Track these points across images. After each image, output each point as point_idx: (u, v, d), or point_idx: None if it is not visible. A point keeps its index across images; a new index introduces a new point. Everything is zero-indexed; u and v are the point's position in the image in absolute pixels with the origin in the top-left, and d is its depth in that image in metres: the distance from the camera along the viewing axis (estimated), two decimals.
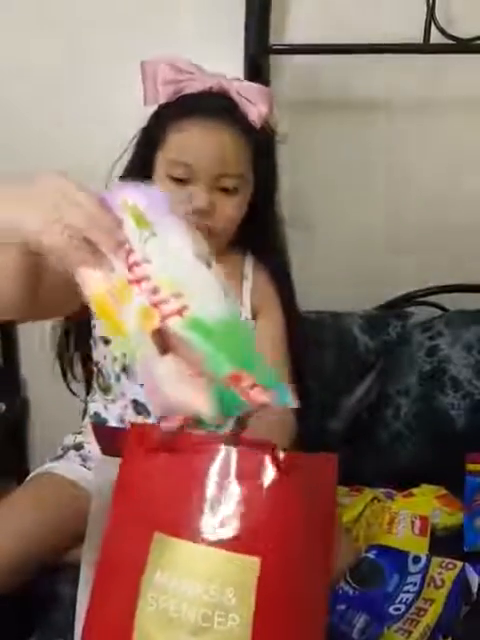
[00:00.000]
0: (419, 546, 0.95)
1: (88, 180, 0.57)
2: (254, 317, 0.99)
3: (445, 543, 0.97)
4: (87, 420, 1.04)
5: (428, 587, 0.81)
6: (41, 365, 1.52)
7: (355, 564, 0.89)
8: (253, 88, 0.90)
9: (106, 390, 0.99)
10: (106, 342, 0.96)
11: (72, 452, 1.00)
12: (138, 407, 0.96)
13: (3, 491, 0.95)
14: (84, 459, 0.98)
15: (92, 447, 0.95)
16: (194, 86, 0.87)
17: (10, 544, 0.82)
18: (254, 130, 0.88)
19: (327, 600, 0.63)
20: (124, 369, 0.96)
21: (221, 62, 1.21)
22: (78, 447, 1.00)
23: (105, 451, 0.85)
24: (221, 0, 1.20)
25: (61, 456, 1.00)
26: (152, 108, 0.93)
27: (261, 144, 0.91)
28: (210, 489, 0.60)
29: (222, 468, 0.60)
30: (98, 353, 0.99)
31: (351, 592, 0.83)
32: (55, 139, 1.32)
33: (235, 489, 0.60)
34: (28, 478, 0.98)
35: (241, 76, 1.18)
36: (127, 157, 0.95)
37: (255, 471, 0.60)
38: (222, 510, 0.59)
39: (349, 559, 0.89)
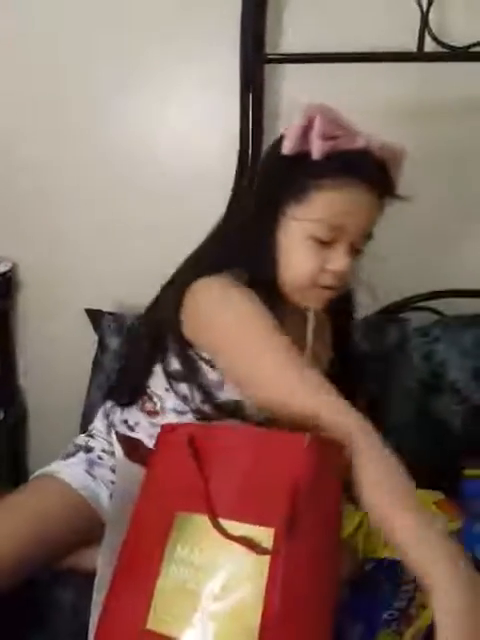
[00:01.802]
0: None
1: None
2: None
3: None
4: (99, 424, 1.03)
5: (420, 592, 0.81)
6: (39, 373, 1.54)
7: (353, 577, 0.89)
8: (396, 149, 0.87)
9: (152, 414, 0.95)
10: (170, 376, 0.91)
11: (82, 454, 0.99)
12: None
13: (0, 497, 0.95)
14: (90, 464, 0.98)
15: (105, 461, 0.97)
16: (347, 144, 0.82)
17: (7, 547, 0.82)
18: (393, 191, 0.87)
19: (338, 572, 0.66)
20: (189, 410, 0.91)
21: (217, 72, 1.24)
22: (88, 449, 1.00)
23: (128, 456, 0.86)
24: (216, 10, 1.21)
25: (72, 454, 0.99)
26: None
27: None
28: (231, 468, 0.66)
29: (244, 450, 0.66)
30: (155, 384, 0.94)
31: (345, 598, 0.83)
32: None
33: (255, 468, 0.65)
34: (32, 477, 0.98)
35: (236, 86, 1.20)
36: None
37: (278, 452, 0.65)
38: (241, 486, 0.65)
39: (349, 571, 0.89)
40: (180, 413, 0.92)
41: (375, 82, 1.22)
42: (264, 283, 0.86)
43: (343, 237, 0.84)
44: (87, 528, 0.91)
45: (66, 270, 1.44)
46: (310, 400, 0.73)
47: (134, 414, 0.98)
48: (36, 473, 0.98)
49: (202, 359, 0.87)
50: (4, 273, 1.40)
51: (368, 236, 0.88)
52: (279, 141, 0.86)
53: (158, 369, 0.93)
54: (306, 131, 0.81)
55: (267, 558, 0.60)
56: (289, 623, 0.60)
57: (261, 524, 0.62)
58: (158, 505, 0.68)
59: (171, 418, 0.93)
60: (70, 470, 0.96)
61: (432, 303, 1.36)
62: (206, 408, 0.89)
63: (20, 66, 1.30)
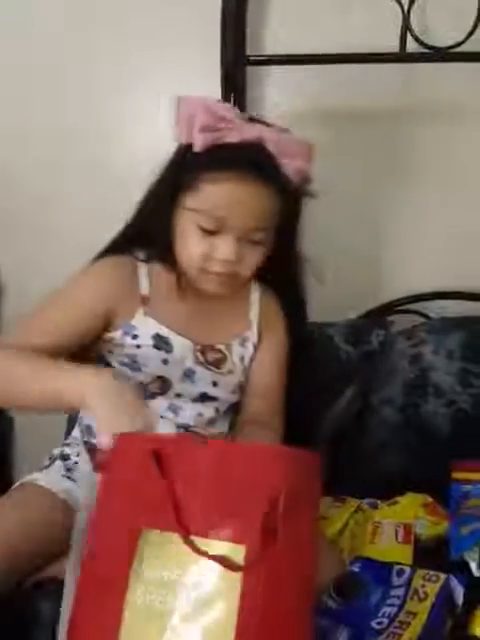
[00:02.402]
0: (403, 554, 0.94)
1: None
2: (259, 340, 1.01)
3: (430, 553, 0.96)
4: (76, 433, 1.03)
5: (411, 600, 0.80)
6: None
7: (338, 577, 0.88)
8: (293, 142, 0.88)
9: None
10: (108, 365, 0.95)
11: (58, 462, 0.99)
12: None
13: None
14: (68, 469, 0.97)
15: (81, 465, 0.96)
16: (233, 136, 0.84)
17: None
18: (288, 184, 0.87)
19: (314, 584, 0.65)
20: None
21: (198, 74, 1.23)
22: (65, 457, 0.99)
23: (97, 469, 0.85)
24: (197, 13, 1.20)
25: (47, 466, 0.99)
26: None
27: (291, 195, 0.89)
28: (195, 482, 0.63)
29: (207, 463, 0.64)
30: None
31: (334, 606, 0.82)
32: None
33: (223, 482, 0.63)
34: (12, 488, 0.96)
35: (218, 88, 1.19)
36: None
37: (246, 466, 0.63)
38: (207, 501, 0.62)
39: (335, 571, 0.89)
40: None
41: (357, 83, 1.22)
42: (169, 265, 0.93)
43: (228, 227, 0.86)
44: (69, 532, 0.89)
45: (54, 273, 1.42)
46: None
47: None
48: (16, 484, 0.97)
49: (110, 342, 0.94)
50: None
51: (263, 229, 0.88)
52: None
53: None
54: (190, 125, 0.84)
55: (239, 575, 0.59)
56: None
57: (232, 540, 0.60)
58: (121, 520, 0.65)
59: None
60: (48, 477, 0.95)
61: (417, 306, 1.36)
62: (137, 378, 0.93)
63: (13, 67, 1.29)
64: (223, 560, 0.59)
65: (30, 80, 1.29)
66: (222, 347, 0.98)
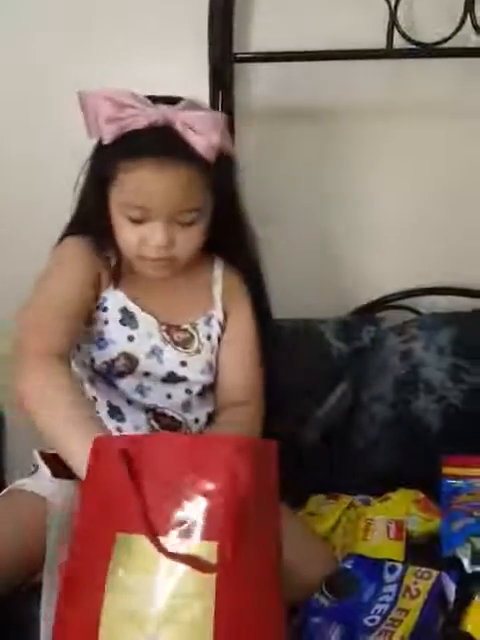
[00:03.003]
0: (395, 550, 0.95)
1: None
2: (225, 318, 1.01)
3: (422, 550, 0.96)
4: None
5: (404, 597, 0.80)
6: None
7: (330, 574, 0.88)
8: (199, 117, 0.86)
9: None
10: (77, 347, 0.96)
11: (40, 471, 0.97)
12: (112, 410, 0.95)
13: None
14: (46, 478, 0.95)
15: (43, 471, 0.94)
16: (138, 122, 0.84)
17: None
18: (204, 161, 0.86)
19: (281, 575, 0.64)
20: (97, 372, 0.95)
21: (185, 72, 1.22)
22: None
23: (55, 474, 0.85)
24: (184, 10, 1.19)
25: (33, 472, 0.98)
26: None
27: (216, 170, 0.88)
28: (165, 482, 0.62)
29: (178, 462, 0.63)
30: (71, 359, 0.98)
31: (326, 604, 0.82)
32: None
33: (189, 480, 0.62)
34: (0, 494, 0.95)
35: (206, 86, 1.18)
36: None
37: (210, 460, 0.62)
38: (179, 500, 0.61)
39: (327, 569, 0.89)
40: (91, 382, 0.96)
41: (345, 79, 1.22)
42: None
43: (154, 214, 0.86)
44: None
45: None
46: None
47: None
48: (4, 491, 0.96)
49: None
50: None
51: (192, 210, 0.88)
52: None
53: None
54: (96, 119, 0.85)
55: (213, 576, 0.58)
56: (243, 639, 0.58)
57: (203, 538, 0.59)
58: (98, 525, 0.65)
59: (89, 391, 0.96)
60: (36, 482, 0.94)
61: (408, 301, 1.36)
62: (98, 366, 0.94)
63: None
64: (195, 562, 0.59)
65: (19, 77, 1.28)
66: (188, 326, 0.98)
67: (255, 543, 0.61)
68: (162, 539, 0.60)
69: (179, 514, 0.61)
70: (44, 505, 0.90)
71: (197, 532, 0.60)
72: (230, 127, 1.20)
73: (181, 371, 0.96)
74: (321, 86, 1.22)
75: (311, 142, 1.28)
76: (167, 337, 0.96)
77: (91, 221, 0.94)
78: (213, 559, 0.59)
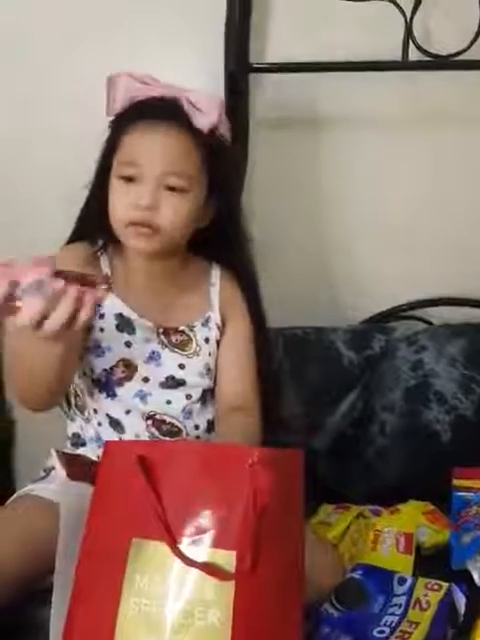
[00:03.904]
0: (404, 564, 0.95)
1: None
2: (223, 321, 1.02)
3: (432, 562, 0.96)
4: (67, 442, 1.04)
5: (413, 609, 0.80)
6: None
7: (340, 584, 0.88)
8: (204, 97, 0.93)
9: (81, 409, 0.99)
10: (80, 358, 0.96)
11: (54, 473, 0.98)
12: (112, 422, 0.96)
13: None
14: (59, 479, 0.96)
15: (57, 472, 0.95)
16: (147, 94, 0.92)
17: None
18: (201, 135, 0.91)
19: (303, 587, 0.64)
20: (96, 383, 0.96)
21: (201, 81, 1.23)
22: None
23: (70, 476, 0.86)
24: (201, 19, 1.20)
25: (43, 477, 0.99)
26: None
27: (213, 150, 0.93)
28: (184, 490, 0.63)
29: (196, 470, 0.63)
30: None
31: (335, 614, 0.82)
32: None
33: (208, 488, 0.62)
34: (10, 500, 0.97)
35: (221, 95, 1.19)
36: None
37: (230, 470, 0.62)
38: (197, 509, 0.62)
39: (336, 577, 0.89)
40: (90, 394, 0.97)
41: (360, 91, 1.22)
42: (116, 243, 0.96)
43: (145, 173, 0.89)
44: None
45: None
46: None
47: (76, 421, 1.01)
48: (15, 494, 0.97)
49: None
50: None
51: (182, 175, 0.90)
52: None
53: None
54: (114, 96, 0.92)
55: (231, 584, 0.59)
56: None
57: (222, 547, 0.60)
58: (112, 529, 0.65)
59: (90, 403, 0.97)
60: (46, 487, 0.95)
61: (419, 311, 1.36)
62: (97, 375, 0.95)
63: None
64: (213, 570, 0.59)
65: (30, 81, 1.29)
66: (185, 328, 0.98)
67: (276, 553, 0.61)
68: (179, 545, 0.61)
69: (197, 522, 0.61)
70: (53, 509, 0.90)
71: (215, 541, 0.60)
72: (244, 136, 1.22)
73: (180, 374, 0.97)
74: (336, 97, 1.23)
75: (323, 152, 1.28)
76: (165, 340, 0.97)
77: (96, 205, 0.95)
78: (231, 568, 0.59)
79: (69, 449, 1.01)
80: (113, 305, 0.95)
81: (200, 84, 1.23)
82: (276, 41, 1.22)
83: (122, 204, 0.90)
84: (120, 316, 0.95)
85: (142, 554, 0.62)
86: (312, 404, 1.22)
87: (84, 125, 1.28)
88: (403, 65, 1.16)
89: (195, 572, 0.59)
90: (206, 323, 1.01)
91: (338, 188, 1.31)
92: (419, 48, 1.16)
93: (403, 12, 1.13)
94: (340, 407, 1.22)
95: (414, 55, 1.16)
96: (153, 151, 0.89)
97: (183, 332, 0.98)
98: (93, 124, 1.24)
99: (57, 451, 0.96)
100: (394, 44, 1.15)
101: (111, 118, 0.95)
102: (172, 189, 0.90)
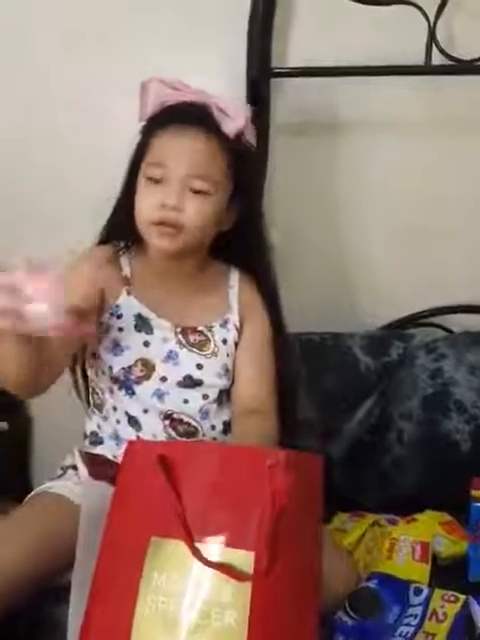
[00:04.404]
0: (420, 573, 0.94)
1: None
2: (241, 323, 1.02)
3: (448, 572, 0.95)
4: (85, 440, 1.04)
5: (430, 620, 0.79)
6: None
7: (355, 592, 0.87)
8: (232, 104, 0.95)
9: (99, 406, 1.00)
10: (95, 356, 0.97)
11: (71, 472, 0.99)
12: (130, 420, 0.96)
13: (4, 510, 0.93)
14: (81, 478, 0.96)
15: (79, 471, 0.95)
16: (178, 99, 0.94)
17: (10, 567, 0.80)
18: (228, 140, 0.93)
19: (320, 592, 0.64)
20: (115, 381, 0.96)
21: (223, 85, 1.23)
22: (76, 467, 0.98)
23: (93, 475, 0.86)
24: (222, 24, 1.21)
25: (60, 476, 0.99)
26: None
27: (238, 155, 0.94)
28: (203, 490, 0.63)
29: (216, 470, 0.64)
30: (91, 369, 1.00)
31: (350, 622, 0.81)
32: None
33: (228, 489, 0.63)
34: (27, 497, 0.97)
35: (243, 99, 1.19)
36: None
37: (249, 471, 0.63)
38: (216, 508, 0.62)
39: (350, 584, 0.88)
40: (110, 392, 0.97)
41: (382, 95, 1.22)
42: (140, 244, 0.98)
43: (171, 174, 0.91)
44: None
45: None
46: None
47: (93, 420, 1.02)
48: (32, 492, 0.97)
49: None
50: None
51: (207, 178, 0.92)
52: None
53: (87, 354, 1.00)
54: (146, 100, 0.94)
55: (248, 585, 0.59)
56: None
57: (240, 547, 0.60)
58: (131, 527, 0.66)
59: (109, 401, 0.98)
60: (64, 485, 0.95)
61: (439, 319, 1.34)
62: (116, 374, 0.95)
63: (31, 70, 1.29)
64: (230, 570, 0.59)
65: (47, 84, 1.30)
66: (203, 328, 0.99)
67: (294, 556, 0.61)
68: (198, 545, 0.61)
69: (215, 522, 0.61)
70: (71, 507, 0.91)
71: (233, 541, 0.60)
72: (264, 140, 1.22)
73: (197, 374, 0.97)
74: (358, 102, 1.22)
75: (343, 157, 1.28)
76: (183, 340, 0.97)
77: (125, 207, 0.97)
78: (249, 569, 0.59)
79: (87, 447, 1.01)
80: (131, 305, 0.96)
81: (220, 87, 1.24)
82: (298, 45, 1.22)
83: (148, 204, 0.92)
84: (139, 316, 0.96)
85: (160, 552, 0.62)
86: (328, 410, 1.21)
87: (94, 127, 1.31)
88: (426, 69, 1.16)
89: (212, 572, 0.59)
90: (224, 324, 1.01)
91: (358, 193, 1.31)
92: (442, 52, 1.15)
93: (426, 16, 1.13)
94: (357, 414, 1.21)
95: (437, 59, 1.15)
96: (181, 154, 0.91)
97: (201, 332, 0.99)
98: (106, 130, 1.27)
99: (79, 451, 0.97)
100: (417, 48, 1.14)
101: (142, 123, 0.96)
102: (197, 192, 0.92)
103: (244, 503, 0.61)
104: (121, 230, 1.00)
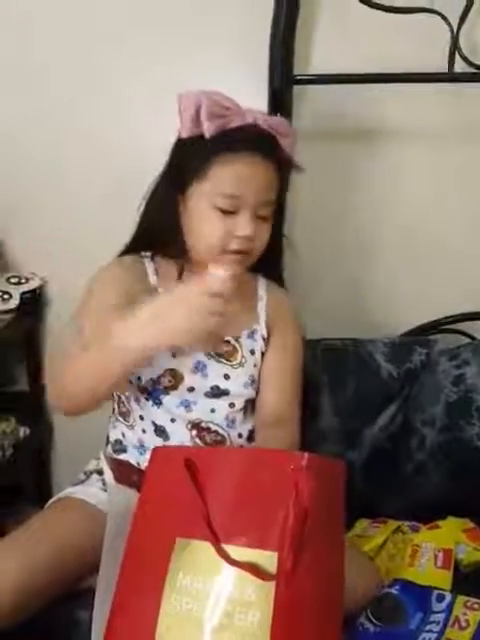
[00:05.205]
0: (442, 579, 0.93)
1: None
2: (269, 333, 1.03)
3: (471, 580, 0.94)
4: (108, 446, 1.05)
5: (452, 628, 0.79)
6: None
7: (377, 598, 0.87)
8: (280, 122, 0.97)
9: (125, 415, 1.01)
10: None
11: (94, 476, 1.00)
12: (157, 430, 0.97)
13: (25, 516, 0.94)
14: (105, 483, 0.98)
15: (106, 476, 0.97)
16: (236, 121, 0.91)
17: (20, 577, 0.80)
18: (284, 160, 0.95)
19: (342, 595, 0.65)
20: (143, 391, 0.97)
21: (245, 92, 1.24)
22: (100, 472, 1.00)
23: (118, 480, 0.87)
24: (245, 31, 1.22)
25: (83, 481, 1.01)
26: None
27: (285, 173, 0.97)
28: (228, 492, 0.65)
29: (240, 472, 0.65)
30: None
31: (372, 629, 0.81)
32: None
33: (253, 490, 0.64)
34: (49, 503, 0.98)
35: (265, 106, 1.20)
36: None
37: (274, 473, 0.64)
38: (241, 510, 0.63)
39: (372, 590, 0.88)
40: (136, 401, 0.98)
41: (405, 102, 1.22)
42: (174, 257, 0.98)
43: (244, 205, 0.92)
44: None
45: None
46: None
47: (117, 428, 1.03)
48: (54, 497, 0.98)
49: None
50: (34, 290, 1.42)
51: (270, 203, 0.95)
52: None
53: None
54: (197, 115, 0.91)
55: (272, 583, 0.59)
56: None
57: (264, 548, 0.61)
58: (156, 530, 0.67)
59: (135, 410, 0.98)
60: (87, 491, 0.96)
61: (462, 325, 1.33)
62: (144, 383, 0.96)
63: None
64: (255, 569, 0.60)
65: (69, 86, 1.32)
66: (231, 339, 0.99)
67: (317, 558, 0.62)
68: (223, 546, 0.62)
69: (240, 524, 0.62)
70: (92, 512, 0.92)
71: (258, 542, 0.61)
72: None
73: (224, 384, 0.97)
74: (380, 110, 1.23)
75: (366, 164, 1.28)
76: (211, 351, 0.97)
77: (159, 223, 0.97)
78: (273, 569, 0.60)
79: (110, 454, 1.02)
80: None
81: (242, 95, 1.25)
82: (320, 53, 1.23)
83: (219, 234, 0.92)
84: None
85: (185, 553, 0.63)
86: (350, 416, 1.20)
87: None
88: (449, 77, 1.16)
89: (237, 572, 0.60)
90: (252, 335, 1.01)
91: (380, 199, 1.31)
92: (465, 59, 1.15)
93: (449, 23, 1.13)
94: (378, 420, 1.20)
95: (459, 67, 1.15)
96: (254, 185, 0.92)
97: (229, 342, 0.99)
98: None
99: (106, 456, 0.99)
100: (439, 56, 1.14)
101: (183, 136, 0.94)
102: (262, 217, 0.94)
103: (268, 505, 0.62)
104: (153, 241, 0.99)
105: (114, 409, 1.04)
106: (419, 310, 1.34)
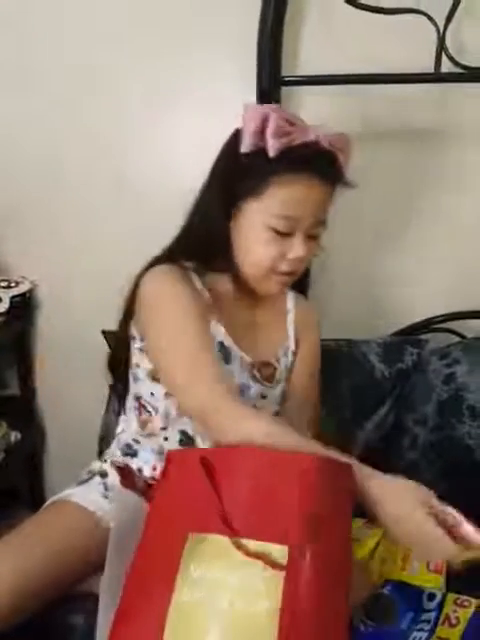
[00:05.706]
0: (434, 583, 0.92)
1: None
2: (297, 345, 1.04)
3: (462, 578, 0.93)
4: (113, 449, 1.04)
5: (442, 625, 0.78)
6: (56, 394, 1.54)
7: (369, 599, 0.87)
8: (340, 137, 0.91)
9: (144, 424, 0.99)
10: (154, 379, 0.95)
11: (97, 479, 0.99)
12: (185, 439, 0.97)
13: (19, 520, 0.94)
14: (106, 488, 0.98)
15: (111, 479, 0.97)
16: (299, 139, 0.87)
17: (16, 580, 0.81)
18: (342, 177, 0.92)
19: (349, 590, 0.66)
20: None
21: (233, 94, 1.25)
22: (103, 474, 1.00)
23: (124, 485, 0.88)
24: (233, 33, 1.22)
25: (85, 480, 1.00)
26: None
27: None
28: (242, 490, 0.67)
29: (255, 473, 0.67)
30: (143, 389, 0.98)
31: (363, 628, 0.81)
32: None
33: (263, 489, 0.66)
34: (45, 505, 0.98)
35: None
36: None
37: (284, 472, 0.66)
38: (251, 505, 0.66)
39: (364, 594, 0.88)
40: (167, 415, 0.96)
41: (392, 103, 1.22)
42: (219, 271, 0.95)
43: (299, 227, 0.89)
44: (104, 550, 0.90)
45: (84, 290, 1.45)
46: (202, 395, 0.81)
47: (127, 432, 1.02)
48: (50, 499, 0.98)
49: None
50: (24, 294, 1.42)
51: (323, 223, 0.92)
52: (234, 139, 0.90)
53: (142, 373, 0.97)
54: (262, 130, 0.86)
55: (281, 576, 0.61)
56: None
57: (275, 542, 0.63)
58: (169, 528, 0.68)
59: (160, 420, 0.96)
60: (85, 494, 0.96)
61: (453, 324, 1.34)
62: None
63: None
64: (266, 557, 0.62)
65: (68, 86, 1.32)
66: (273, 360, 1.00)
67: (325, 552, 0.63)
68: (234, 537, 0.64)
69: (252, 520, 0.65)
70: (89, 518, 0.92)
71: (268, 536, 0.63)
72: None
73: (260, 403, 0.98)
74: (368, 110, 1.23)
75: (356, 166, 1.28)
76: (257, 375, 0.97)
77: (207, 238, 0.93)
78: (284, 561, 0.62)
79: (118, 457, 1.02)
80: (218, 332, 0.93)
81: (232, 99, 1.25)
82: (307, 54, 1.23)
83: (271, 254, 0.90)
84: (221, 344, 0.94)
85: (198, 547, 0.65)
86: (343, 415, 1.21)
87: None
88: (436, 77, 1.16)
89: (247, 563, 0.62)
90: (285, 353, 1.02)
91: (368, 199, 1.31)
92: (452, 60, 1.15)
93: (436, 24, 1.13)
94: (371, 420, 1.20)
95: (446, 67, 1.15)
96: (309, 206, 0.89)
97: (270, 364, 1.00)
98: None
99: (112, 462, 0.99)
100: (426, 56, 1.15)
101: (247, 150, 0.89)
102: (314, 237, 0.92)
103: (278, 503, 0.64)
104: (196, 253, 0.95)
105: (121, 412, 1.04)
106: (410, 310, 1.34)
